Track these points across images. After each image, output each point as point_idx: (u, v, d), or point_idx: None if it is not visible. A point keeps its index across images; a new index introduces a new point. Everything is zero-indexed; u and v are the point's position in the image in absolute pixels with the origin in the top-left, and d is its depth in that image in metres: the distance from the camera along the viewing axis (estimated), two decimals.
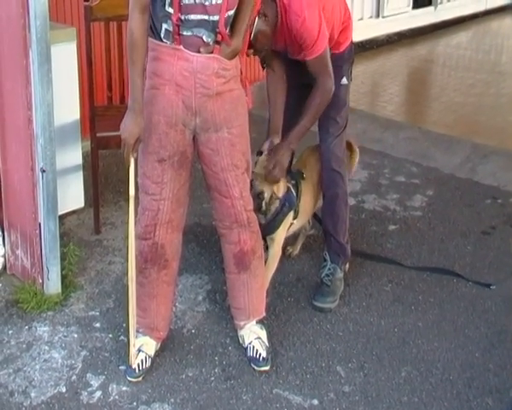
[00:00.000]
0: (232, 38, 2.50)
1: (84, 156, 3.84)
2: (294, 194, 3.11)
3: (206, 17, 2.40)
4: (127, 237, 2.57)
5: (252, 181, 2.82)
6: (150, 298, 2.70)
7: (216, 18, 2.41)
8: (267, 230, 3.03)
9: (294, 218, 3.15)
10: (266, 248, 3.10)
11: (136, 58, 2.40)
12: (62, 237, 3.38)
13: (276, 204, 3.02)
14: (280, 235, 3.10)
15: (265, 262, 2.99)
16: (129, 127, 2.43)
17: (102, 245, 3.58)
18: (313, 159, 3.28)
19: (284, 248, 3.56)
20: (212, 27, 2.43)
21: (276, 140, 3.07)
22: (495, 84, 6.66)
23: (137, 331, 2.68)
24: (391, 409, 2.60)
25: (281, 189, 3.03)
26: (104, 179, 4.22)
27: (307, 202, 3.23)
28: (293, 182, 3.12)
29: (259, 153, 3.08)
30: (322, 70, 2.91)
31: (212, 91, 2.50)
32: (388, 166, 4.78)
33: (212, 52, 2.46)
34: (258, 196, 2.93)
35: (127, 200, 2.53)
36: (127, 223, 2.55)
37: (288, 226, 3.13)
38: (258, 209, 2.89)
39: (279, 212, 3.04)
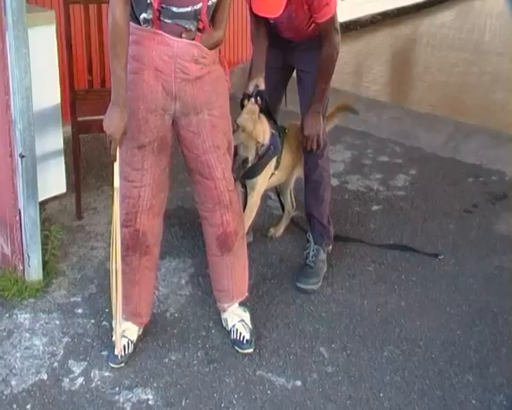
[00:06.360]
0: (214, 29, 2.49)
1: (66, 141, 3.80)
2: (279, 140, 3.11)
3: (188, 9, 2.38)
4: (112, 231, 2.51)
5: (236, 147, 2.80)
6: (132, 285, 2.68)
7: (199, 6, 2.39)
8: (249, 173, 3.02)
9: (276, 168, 3.15)
10: (245, 196, 3.11)
11: (120, 51, 2.33)
12: (44, 223, 3.37)
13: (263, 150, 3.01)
14: (260, 183, 3.11)
15: (244, 210, 2.99)
16: (114, 122, 2.37)
17: (85, 230, 3.56)
18: (294, 130, 3.26)
19: (267, 230, 3.59)
20: (194, 15, 2.40)
21: (261, 82, 3.01)
22: (478, 63, 6.68)
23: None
24: (373, 389, 2.61)
25: (267, 135, 3.00)
26: (86, 164, 4.19)
27: (287, 160, 3.24)
28: (276, 132, 3.11)
29: (246, 96, 3.00)
30: (331, 29, 2.94)
31: (191, 76, 2.48)
32: (372, 147, 4.78)
33: (193, 39, 2.44)
34: (242, 163, 2.91)
35: (111, 191, 2.48)
36: (112, 215, 2.51)
37: (269, 175, 3.14)
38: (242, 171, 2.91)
39: (264, 154, 3.02)
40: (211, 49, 2.49)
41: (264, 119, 2.99)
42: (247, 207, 3.10)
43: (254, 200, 3.12)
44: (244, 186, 3.10)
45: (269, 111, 3.05)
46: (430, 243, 3.59)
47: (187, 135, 2.59)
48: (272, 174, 3.16)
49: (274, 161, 3.12)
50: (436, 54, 7.05)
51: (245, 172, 2.96)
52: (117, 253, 2.52)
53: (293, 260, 3.39)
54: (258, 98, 2.99)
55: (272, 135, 3.04)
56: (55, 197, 3.78)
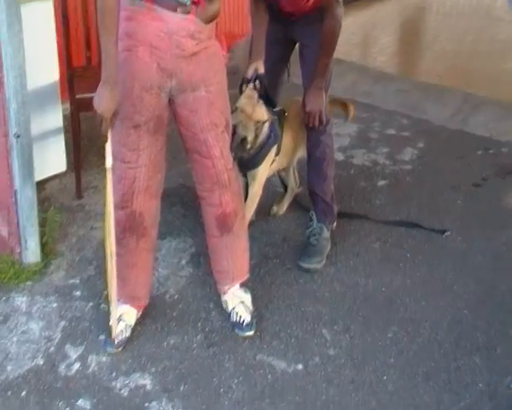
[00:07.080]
0: (209, 3, 2.40)
1: (67, 119, 3.73)
2: (278, 128, 3.04)
3: None
4: (106, 213, 2.46)
5: (234, 126, 2.72)
6: (129, 267, 2.63)
7: None
8: (250, 163, 2.95)
9: (276, 154, 3.08)
10: (247, 186, 3.04)
11: (109, 24, 2.24)
12: (43, 203, 3.33)
13: (264, 133, 2.91)
14: (261, 172, 3.03)
15: (245, 201, 2.93)
16: (105, 101, 2.29)
17: (84, 210, 3.50)
18: (295, 108, 3.16)
19: (270, 208, 3.52)
20: None
21: (260, 65, 2.93)
22: (489, 30, 6.53)
23: (117, 300, 2.61)
24: (377, 372, 2.55)
25: (265, 115, 2.91)
26: (88, 142, 4.10)
27: (288, 143, 3.16)
28: (275, 117, 3.03)
29: (245, 80, 2.92)
30: (332, 1, 2.86)
31: (187, 53, 2.40)
32: (378, 120, 4.68)
33: (188, 13, 2.35)
34: (241, 142, 2.82)
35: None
36: (105, 196, 2.46)
37: (270, 163, 3.06)
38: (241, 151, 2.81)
39: (265, 143, 2.94)
40: (206, 23, 2.41)
41: (262, 105, 2.90)
42: (249, 197, 3.02)
43: (256, 190, 3.04)
44: (245, 176, 3.02)
45: (268, 96, 2.96)
46: (437, 219, 3.51)
47: (183, 113, 2.51)
48: (273, 160, 3.08)
49: (274, 148, 3.04)
50: (446, 21, 6.91)
51: (246, 164, 2.89)
52: (111, 236, 2.46)
53: (296, 238, 3.32)
54: (257, 82, 2.90)
55: (271, 123, 2.96)
56: (55, 176, 3.72)
